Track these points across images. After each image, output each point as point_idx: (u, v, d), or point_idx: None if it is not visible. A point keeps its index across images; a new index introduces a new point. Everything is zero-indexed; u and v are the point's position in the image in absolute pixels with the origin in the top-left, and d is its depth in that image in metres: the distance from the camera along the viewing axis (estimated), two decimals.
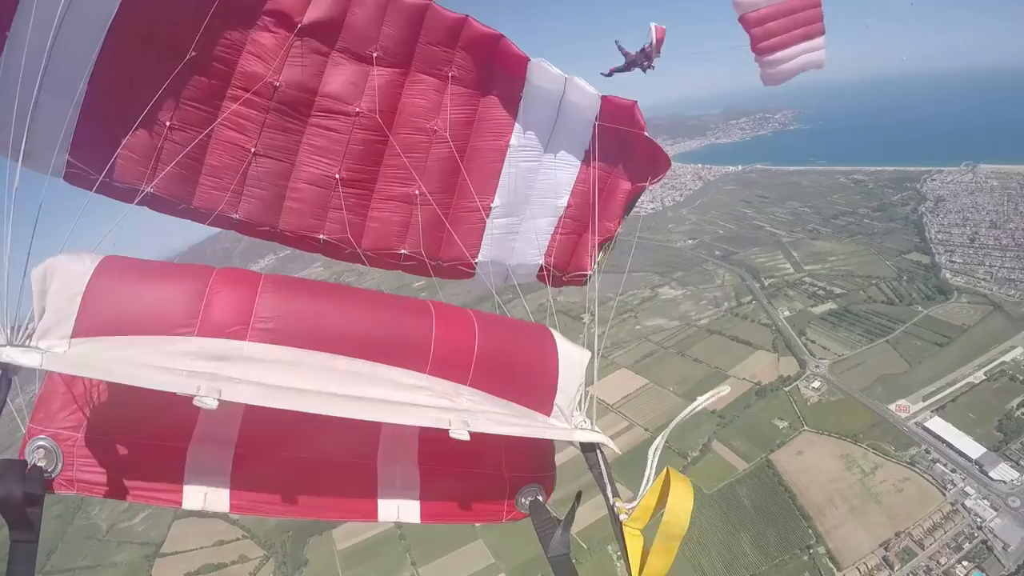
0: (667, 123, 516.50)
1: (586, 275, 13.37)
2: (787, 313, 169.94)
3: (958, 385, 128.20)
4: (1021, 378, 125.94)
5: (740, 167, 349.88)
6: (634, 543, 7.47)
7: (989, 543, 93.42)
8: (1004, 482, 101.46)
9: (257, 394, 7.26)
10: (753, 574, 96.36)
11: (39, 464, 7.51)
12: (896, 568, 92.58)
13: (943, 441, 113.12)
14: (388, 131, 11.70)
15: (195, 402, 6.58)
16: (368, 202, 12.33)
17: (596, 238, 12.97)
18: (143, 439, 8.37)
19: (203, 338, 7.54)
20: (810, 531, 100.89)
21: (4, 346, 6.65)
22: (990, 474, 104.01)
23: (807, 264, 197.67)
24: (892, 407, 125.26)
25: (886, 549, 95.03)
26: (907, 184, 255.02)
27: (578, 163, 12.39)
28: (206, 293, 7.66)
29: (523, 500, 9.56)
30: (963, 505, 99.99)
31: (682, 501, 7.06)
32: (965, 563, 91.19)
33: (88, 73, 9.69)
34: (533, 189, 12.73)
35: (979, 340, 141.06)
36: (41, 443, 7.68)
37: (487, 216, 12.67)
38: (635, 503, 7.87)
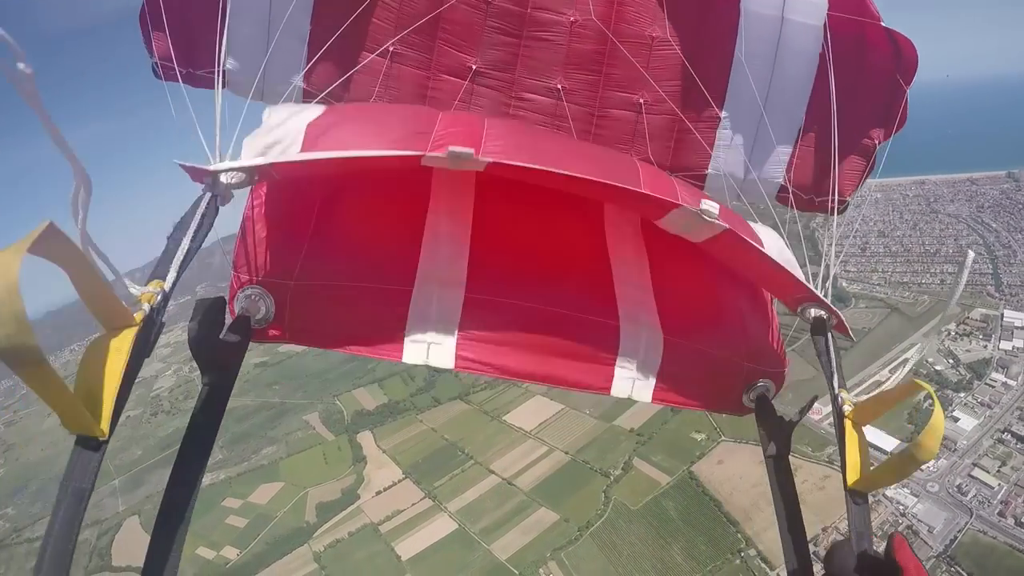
0: None
1: (843, 201, 11.12)
2: None
3: (866, 384, 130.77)
4: (924, 372, 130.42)
5: None
6: (854, 440, 6.08)
7: (914, 527, 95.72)
8: (921, 470, 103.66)
9: (500, 149, 6.38)
10: None
11: (245, 314, 6.77)
12: None
13: None
14: (606, 39, 10.72)
15: (424, 161, 6.07)
16: (592, 111, 11.22)
17: (844, 158, 10.87)
18: (361, 282, 7.45)
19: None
20: (739, 536, 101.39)
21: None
22: None
23: None
24: None
25: (816, 544, 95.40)
26: None
27: (812, 69, 10.57)
28: (433, 117, 6.99)
29: (751, 395, 8.17)
30: (884, 495, 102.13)
31: (938, 423, 5.37)
32: None
33: (310, 10, 9.97)
34: (765, 99, 10.95)
35: (881, 340, 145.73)
36: (250, 292, 6.91)
37: (716, 127, 11.11)
38: (863, 397, 6.47)
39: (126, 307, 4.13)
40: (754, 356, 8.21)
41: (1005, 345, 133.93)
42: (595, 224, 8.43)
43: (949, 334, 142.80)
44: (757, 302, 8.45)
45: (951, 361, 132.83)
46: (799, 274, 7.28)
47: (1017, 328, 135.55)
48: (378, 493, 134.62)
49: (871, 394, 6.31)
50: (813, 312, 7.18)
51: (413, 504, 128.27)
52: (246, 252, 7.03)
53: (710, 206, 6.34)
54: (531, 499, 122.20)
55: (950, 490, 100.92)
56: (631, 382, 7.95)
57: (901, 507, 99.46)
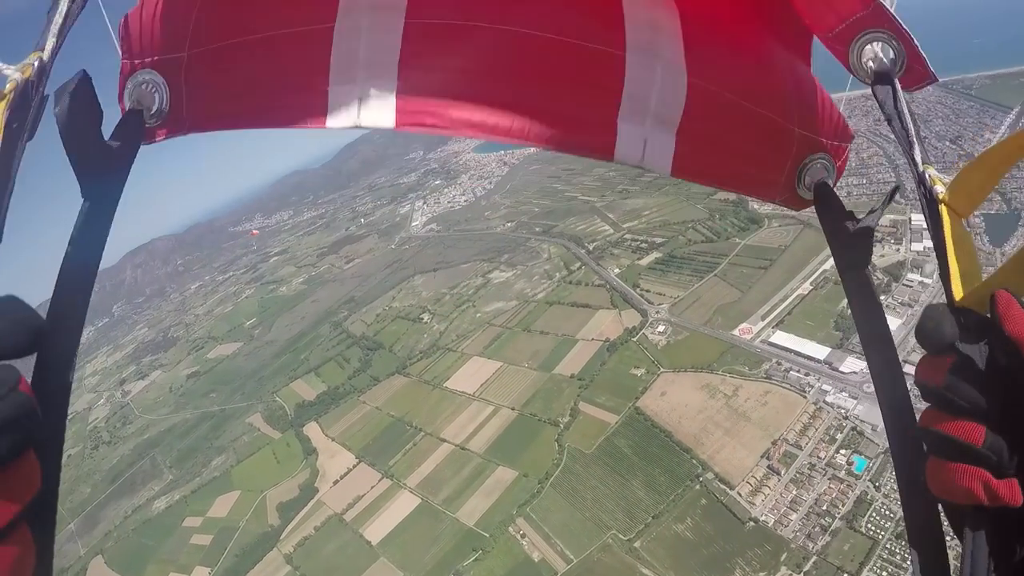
0: None
1: None
2: (617, 270, 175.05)
3: (790, 299, 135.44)
4: None
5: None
6: (963, 239, 3.45)
7: (858, 428, 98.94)
8: (855, 372, 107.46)
9: None
10: (654, 515, 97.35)
11: (137, 108, 4.82)
12: (783, 472, 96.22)
13: (790, 351, 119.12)
14: None
15: None
16: None
17: None
18: (267, 31, 5.37)
19: None
20: (694, 461, 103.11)
21: None
22: (840, 369, 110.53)
23: (624, 222, 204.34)
24: (736, 332, 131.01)
25: (768, 458, 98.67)
26: None
27: None
28: None
29: (806, 179, 5.49)
30: (825, 402, 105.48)
31: None
32: (843, 451, 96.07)
33: None
34: None
35: (798, 256, 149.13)
36: (142, 79, 4.90)
37: None
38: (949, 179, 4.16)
39: None
40: (808, 121, 5.65)
41: (916, 247, 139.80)
42: None
43: None
44: (802, 54, 5.59)
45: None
46: None
47: (925, 230, 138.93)
48: (335, 482, 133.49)
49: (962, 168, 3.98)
50: (872, 49, 4.54)
51: (372, 487, 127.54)
52: (137, 27, 5.17)
53: None
54: (487, 460, 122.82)
55: None
56: (641, 141, 5.74)
57: (843, 410, 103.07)
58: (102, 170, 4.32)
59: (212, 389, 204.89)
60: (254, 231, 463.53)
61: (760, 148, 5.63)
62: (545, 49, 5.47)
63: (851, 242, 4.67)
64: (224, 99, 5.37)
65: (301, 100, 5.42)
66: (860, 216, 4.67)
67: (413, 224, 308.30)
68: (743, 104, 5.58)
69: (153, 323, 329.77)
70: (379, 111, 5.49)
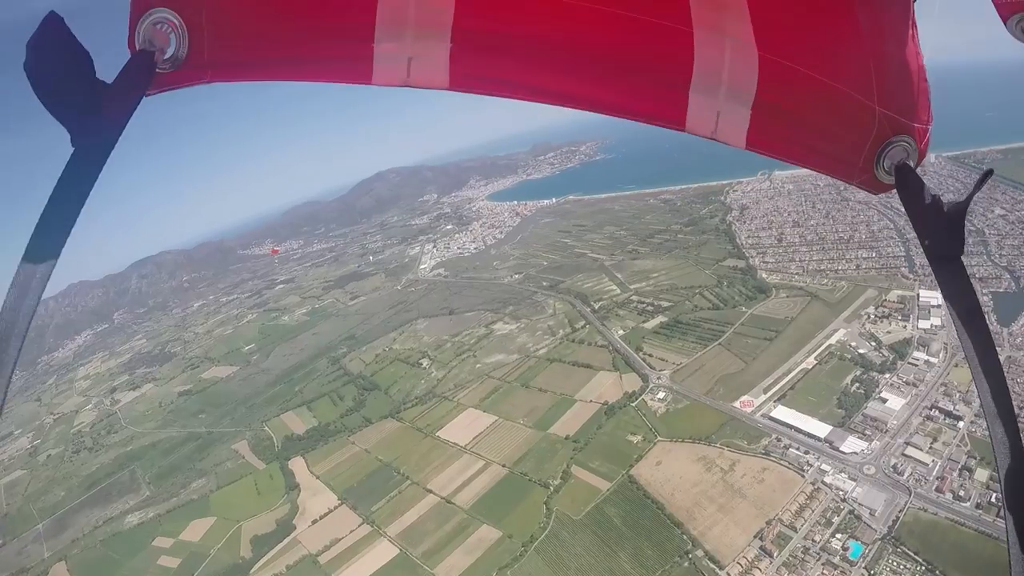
0: (479, 164, 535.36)
1: None
2: (621, 332, 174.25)
3: (793, 373, 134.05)
4: (849, 356, 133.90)
5: (554, 200, 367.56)
6: None
7: (856, 512, 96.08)
8: (856, 453, 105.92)
9: None
10: None
11: (148, 48, 4.55)
12: (776, 554, 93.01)
13: (791, 427, 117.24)
14: None
15: None
16: None
17: None
18: None
19: None
20: (685, 537, 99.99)
21: None
22: (841, 449, 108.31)
23: (632, 283, 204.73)
24: (737, 404, 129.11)
25: (761, 539, 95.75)
26: (712, 198, 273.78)
27: None
28: None
29: (885, 161, 5.63)
30: (823, 482, 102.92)
31: None
32: (839, 535, 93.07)
33: None
34: None
35: (804, 329, 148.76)
36: (158, 16, 4.57)
37: None
38: None
39: None
40: (889, 99, 5.52)
41: (923, 324, 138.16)
42: None
43: (869, 317, 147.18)
44: (896, 22, 5.37)
45: (873, 343, 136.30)
46: None
47: (933, 307, 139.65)
48: (314, 522, 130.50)
49: None
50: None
51: (351, 531, 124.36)
52: None
53: None
54: (472, 517, 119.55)
55: (886, 471, 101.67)
56: (714, 114, 5.78)
57: (841, 492, 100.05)
58: (94, 113, 3.99)
59: (202, 410, 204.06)
60: (275, 249, 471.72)
61: (837, 125, 5.68)
62: (608, 21, 5.47)
63: (940, 228, 4.99)
64: (254, 46, 5.10)
65: (343, 53, 5.28)
66: (948, 200, 4.93)
67: (421, 267, 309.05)
68: (819, 79, 5.55)
69: (152, 335, 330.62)
70: (431, 71, 5.44)
